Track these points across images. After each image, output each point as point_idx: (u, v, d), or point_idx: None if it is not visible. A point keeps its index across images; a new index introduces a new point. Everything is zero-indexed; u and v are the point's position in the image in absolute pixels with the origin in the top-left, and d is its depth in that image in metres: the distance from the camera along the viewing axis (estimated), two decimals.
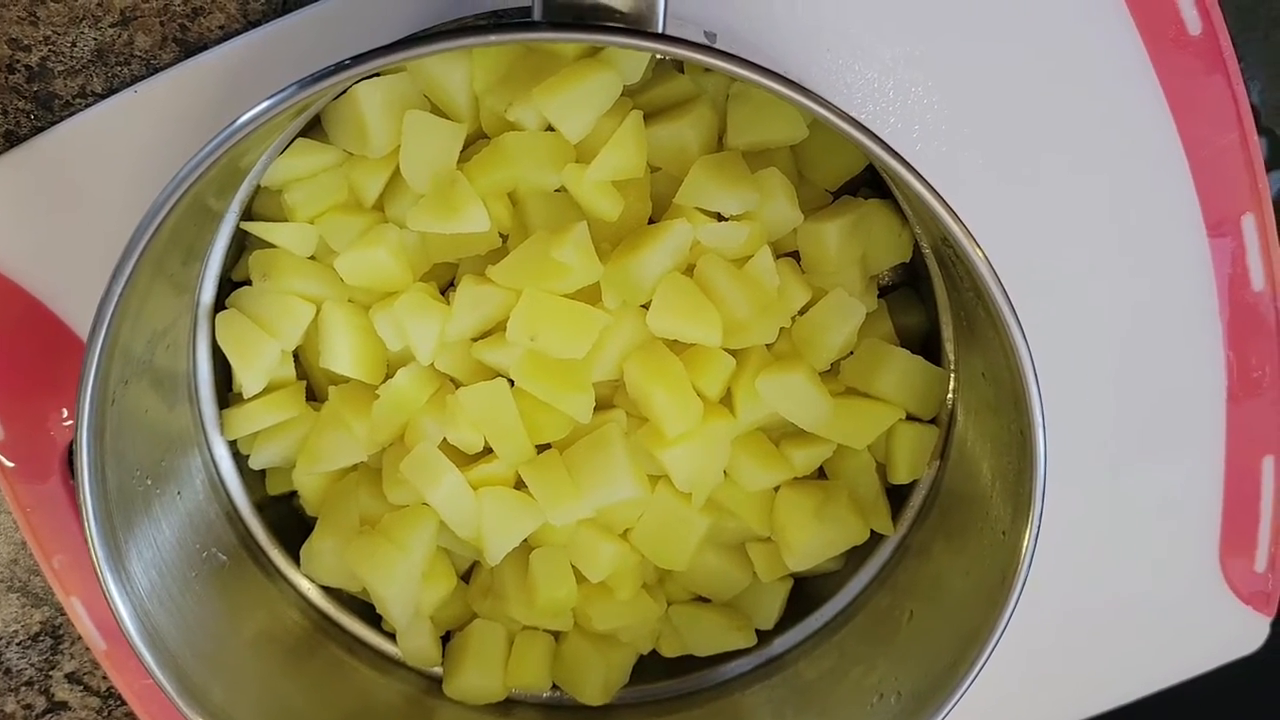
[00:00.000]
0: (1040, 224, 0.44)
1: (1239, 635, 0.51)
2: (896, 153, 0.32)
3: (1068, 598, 0.49)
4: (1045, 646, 0.50)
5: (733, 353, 0.40)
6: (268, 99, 0.31)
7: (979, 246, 0.32)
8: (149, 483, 0.38)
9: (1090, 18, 0.42)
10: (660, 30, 0.30)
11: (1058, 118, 0.43)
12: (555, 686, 0.45)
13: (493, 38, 0.29)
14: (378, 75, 0.38)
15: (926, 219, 0.37)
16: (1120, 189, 0.44)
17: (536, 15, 0.30)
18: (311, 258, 0.41)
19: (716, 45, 0.37)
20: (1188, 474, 0.48)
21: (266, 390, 0.42)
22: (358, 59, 0.30)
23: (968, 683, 0.35)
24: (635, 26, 0.30)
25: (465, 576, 0.45)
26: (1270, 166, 0.51)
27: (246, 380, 0.41)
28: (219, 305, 0.42)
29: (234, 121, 0.31)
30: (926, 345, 0.43)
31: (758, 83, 0.30)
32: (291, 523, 0.45)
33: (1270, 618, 0.51)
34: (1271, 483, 0.48)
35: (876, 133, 0.31)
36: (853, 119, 0.31)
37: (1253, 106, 0.50)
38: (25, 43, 0.43)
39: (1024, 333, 0.33)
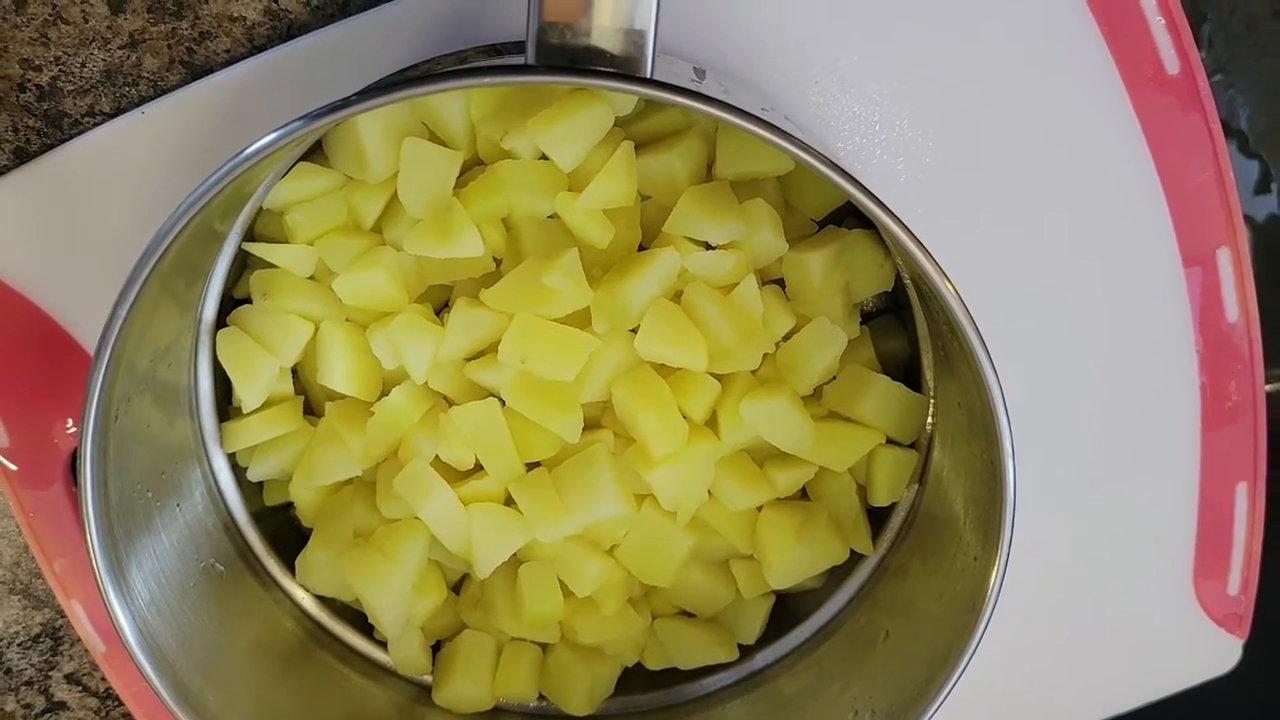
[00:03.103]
0: (1020, 255, 0.45)
1: (1212, 656, 0.52)
2: (870, 193, 0.33)
3: (1044, 619, 0.50)
4: (1021, 667, 0.51)
5: (718, 377, 0.41)
6: (274, 132, 0.32)
7: (950, 282, 0.33)
8: (149, 495, 0.39)
9: (1072, 56, 0.43)
10: (648, 75, 0.31)
11: (1039, 152, 0.44)
12: (542, 697, 0.47)
13: (487, 80, 0.31)
14: None
15: (905, 254, 0.38)
16: (1099, 222, 0.45)
17: (530, 59, 0.31)
18: (311, 278, 0.42)
19: (705, 82, 0.39)
20: (1163, 499, 0.49)
21: (265, 405, 0.43)
22: (362, 95, 0.31)
23: (937, 704, 0.36)
24: (624, 70, 0.31)
25: (456, 588, 0.46)
26: (1258, 190, 0.52)
27: (246, 395, 0.42)
28: (220, 322, 0.43)
29: (241, 152, 0.32)
30: (908, 371, 0.44)
31: (738, 125, 0.31)
32: (288, 534, 0.46)
33: (1242, 639, 0.52)
34: (1245, 508, 0.49)
35: (857, 170, 0.33)
36: (827, 159, 0.32)
37: (1241, 132, 0.51)
38: (36, 63, 0.44)
39: (994, 367, 0.34)
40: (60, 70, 0.44)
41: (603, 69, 0.31)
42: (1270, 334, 0.48)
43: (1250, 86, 0.50)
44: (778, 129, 0.31)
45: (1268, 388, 0.48)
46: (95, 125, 0.44)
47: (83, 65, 0.44)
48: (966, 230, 0.45)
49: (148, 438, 0.39)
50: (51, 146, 0.45)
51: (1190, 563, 0.50)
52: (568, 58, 0.31)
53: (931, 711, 0.37)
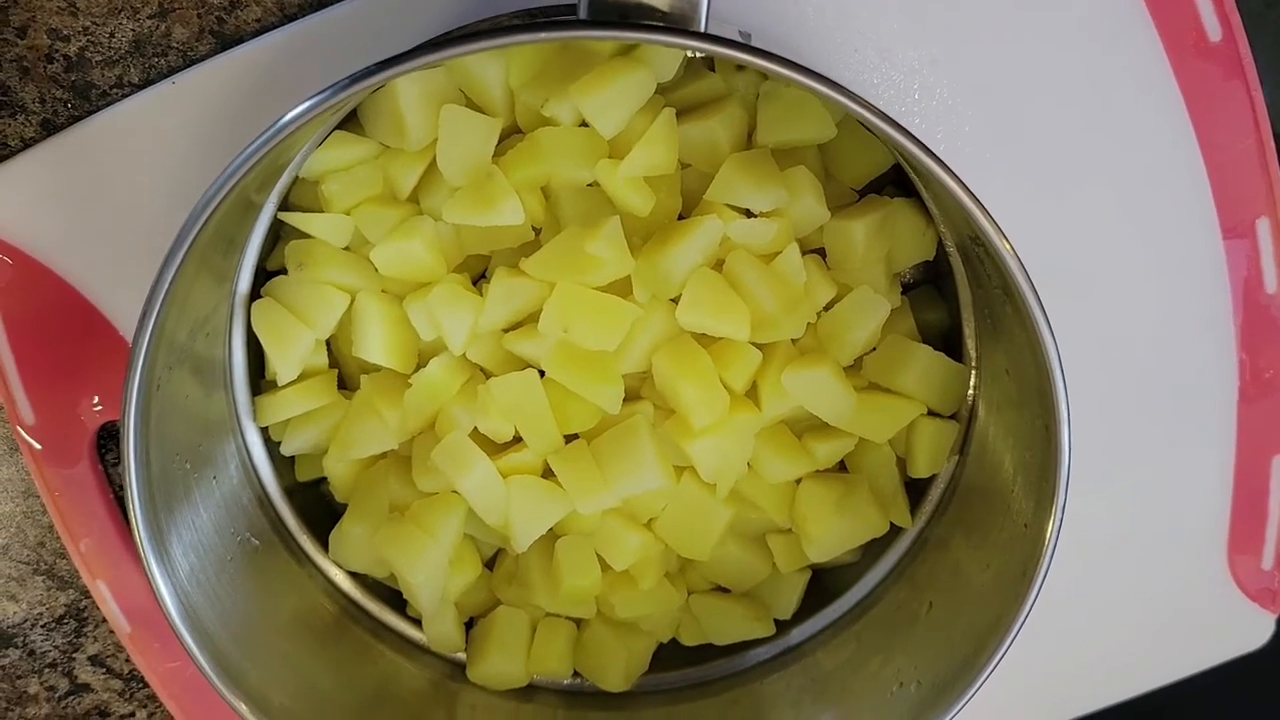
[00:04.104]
0: (1060, 225, 0.45)
1: (1245, 631, 0.52)
2: (928, 148, 0.32)
3: (1078, 592, 0.50)
4: (1055, 640, 0.51)
5: (759, 347, 0.41)
6: (311, 98, 0.31)
7: (1009, 242, 0.33)
8: (188, 466, 0.38)
9: (1113, 24, 0.43)
10: (702, 29, 0.31)
11: (1079, 122, 0.44)
12: (577, 673, 0.46)
13: (542, 35, 0.30)
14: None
15: (955, 216, 0.38)
16: (1139, 192, 0.45)
17: (582, 14, 0.31)
18: (347, 248, 0.42)
19: (752, 44, 0.38)
20: (1198, 472, 0.49)
21: (300, 378, 0.42)
22: (401, 57, 0.31)
23: (988, 672, 0.36)
24: (677, 25, 0.31)
25: (489, 564, 0.46)
26: None
27: (281, 368, 0.42)
28: (254, 294, 0.42)
29: (280, 119, 0.31)
30: (947, 341, 0.44)
31: (797, 80, 0.31)
32: (318, 509, 0.46)
33: (1276, 614, 0.52)
34: None
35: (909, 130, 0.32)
36: (887, 116, 0.32)
37: None
38: (64, 33, 0.43)
39: (1051, 329, 0.33)
40: (88, 40, 0.43)
41: (656, 24, 0.31)
42: None
43: (1269, 64, 0.50)
44: (834, 84, 0.30)
45: None
46: (124, 96, 0.44)
47: (111, 35, 0.43)
48: (1005, 200, 0.44)
49: (185, 409, 0.38)
50: (79, 118, 0.44)
51: (1225, 537, 0.50)
52: (620, 14, 0.31)
53: (981, 681, 0.37)
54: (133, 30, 0.43)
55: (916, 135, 0.43)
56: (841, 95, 0.30)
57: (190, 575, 0.37)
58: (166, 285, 0.33)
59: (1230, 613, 0.51)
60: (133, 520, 0.34)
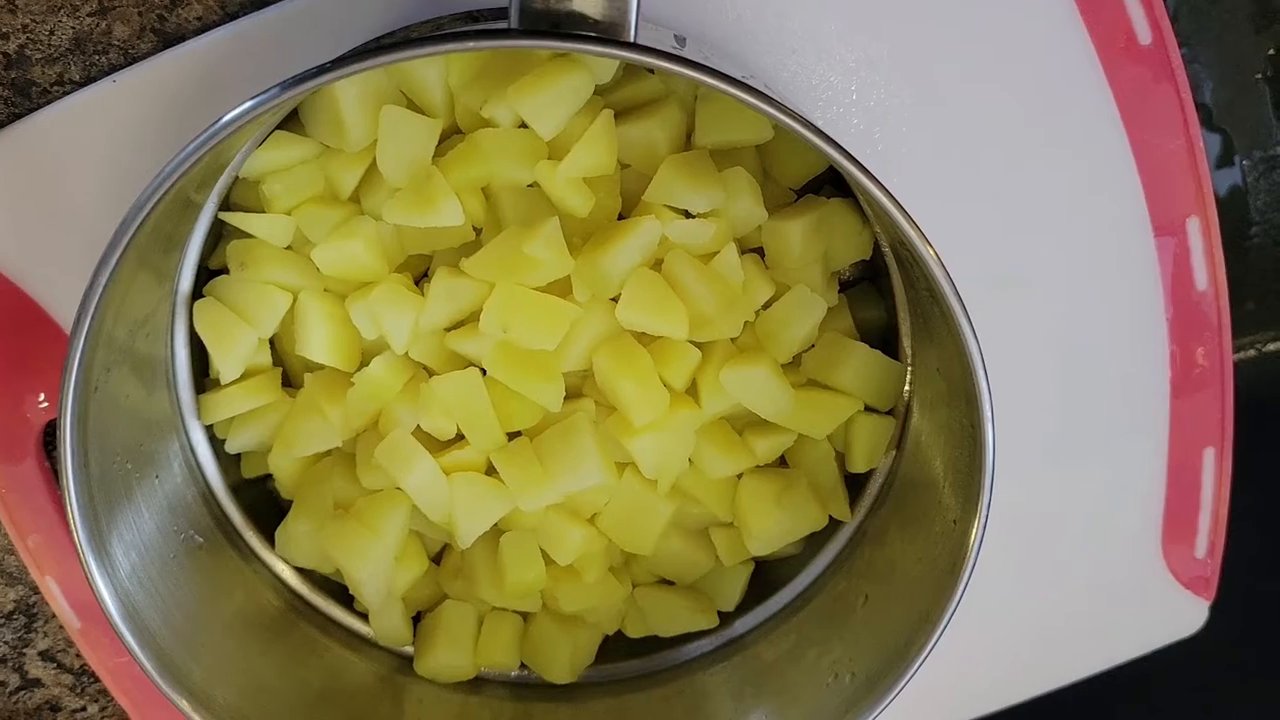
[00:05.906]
0: (994, 223, 0.46)
1: (1180, 618, 0.53)
2: (854, 158, 0.33)
3: (1016, 581, 0.51)
4: (992, 631, 0.51)
5: (698, 345, 0.42)
6: (251, 100, 0.31)
7: (931, 246, 0.33)
8: (129, 467, 0.39)
9: (1046, 27, 0.43)
10: (631, 39, 0.31)
11: (1013, 122, 0.45)
12: (523, 665, 0.47)
13: (471, 44, 0.30)
14: None
15: (884, 220, 0.38)
16: (1072, 191, 0.46)
17: (513, 23, 0.31)
18: (288, 248, 0.42)
19: (686, 50, 0.39)
20: (1132, 464, 0.50)
21: (243, 376, 0.43)
22: (340, 61, 0.31)
23: (918, 664, 0.37)
24: (608, 35, 0.31)
25: (436, 558, 0.46)
26: (1220, 164, 0.53)
27: (224, 367, 0.42)
28: (197, 293, 0.42)
29: (218, 120, 0.32)
30: (885, 339, 0.45)
31: (724, 90, 0.31)
32: (266, 505, 0.46)
33: (1209, 601, 0.53)
34: (1212, 473, 0.50)
35: (836, 138, 0.33)
36: (813, 125, 0.32)
37: (1205, 106, 0.52)
38: (3, 30, 0.43)
39: (975, 333, 0.34)
40: (28, 38, 0.43)
41: (586, 33, 0.31)
42: (1235, 304, 0.48)
43: (1214, 60, 0.51)
44: (761, 94, 0.31)
45: (1234, 356, 0.49)
46: (65, 94, 0.44)
47: (51, 33, 0.43)
48: (941, 199, 0.45)
49: (126, 409, 0.38)
50: (20, 116, 0.44)
51: (1159, 527, 0.51)
52: (551, 22, 0.31)
53: (911, 672, 0.37)
54: (73, 28, 0.43)
55: (853, 135, 0.44)
56: (766, 105, 0.31)
57: (131, 574, 0.37)
58: (102, 286, 0.33)
59: (1165, 600, 0.52)
60: (71, 523, 0.34)
